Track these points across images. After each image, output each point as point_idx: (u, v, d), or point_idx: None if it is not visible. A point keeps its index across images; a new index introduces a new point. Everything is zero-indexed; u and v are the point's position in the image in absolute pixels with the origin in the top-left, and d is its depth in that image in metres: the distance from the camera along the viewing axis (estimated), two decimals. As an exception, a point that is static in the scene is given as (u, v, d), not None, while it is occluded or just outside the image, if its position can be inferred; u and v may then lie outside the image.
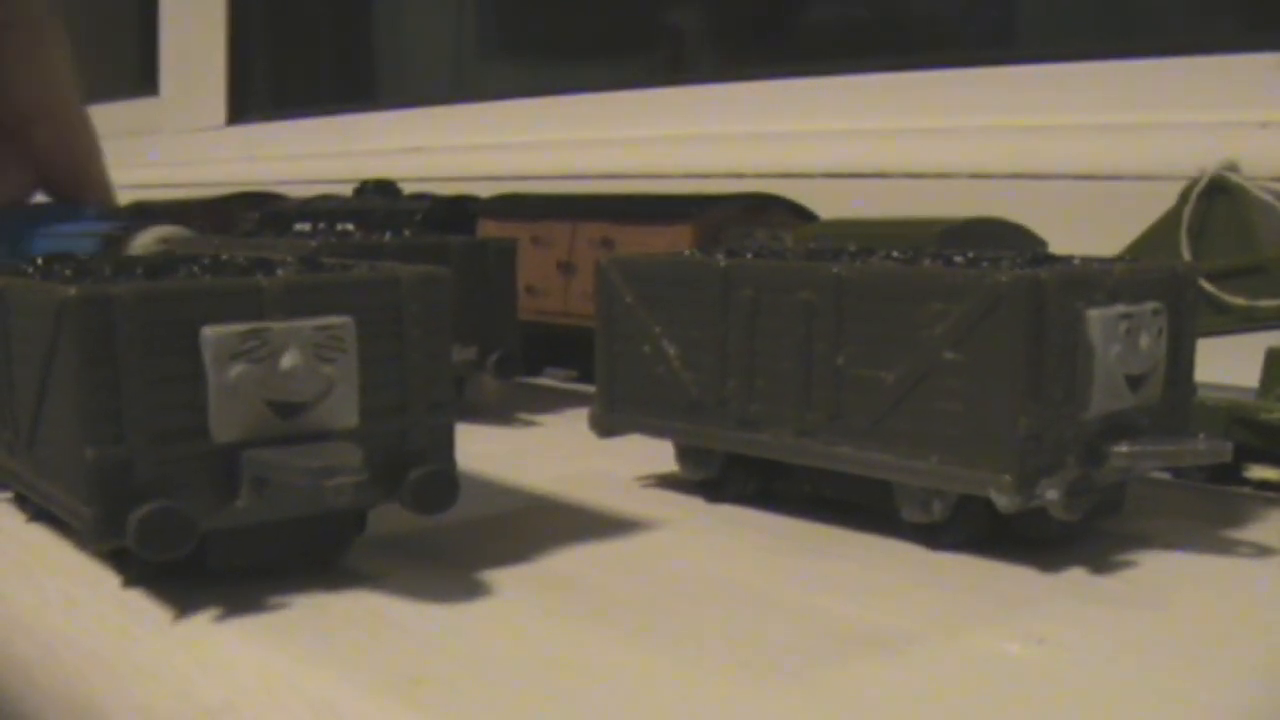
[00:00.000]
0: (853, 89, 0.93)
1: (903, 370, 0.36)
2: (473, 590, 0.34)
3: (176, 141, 1.66)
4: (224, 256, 0.40)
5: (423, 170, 1.05)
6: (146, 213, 0.74)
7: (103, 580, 0.35)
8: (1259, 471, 0.45)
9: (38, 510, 0.40)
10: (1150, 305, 0.37)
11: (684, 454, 0.45)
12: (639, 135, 1.03)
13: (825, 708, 0.27)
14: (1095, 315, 0.35)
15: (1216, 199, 0.47)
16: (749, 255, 0.43)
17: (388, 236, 0.61)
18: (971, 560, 0.37)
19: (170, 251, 0.51)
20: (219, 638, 0.31)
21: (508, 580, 0.35)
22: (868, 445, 0.38)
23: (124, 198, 0.70)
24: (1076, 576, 0.35)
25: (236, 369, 0.32)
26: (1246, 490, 0.45)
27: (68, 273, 0.36)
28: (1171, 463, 0.38)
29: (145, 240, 0.56)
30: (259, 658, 0.30)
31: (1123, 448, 0.36)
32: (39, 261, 0.39)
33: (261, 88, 1.69)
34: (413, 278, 0.35)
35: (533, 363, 0.71)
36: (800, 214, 0.67)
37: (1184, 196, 0.48)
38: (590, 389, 0.47)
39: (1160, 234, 0.48)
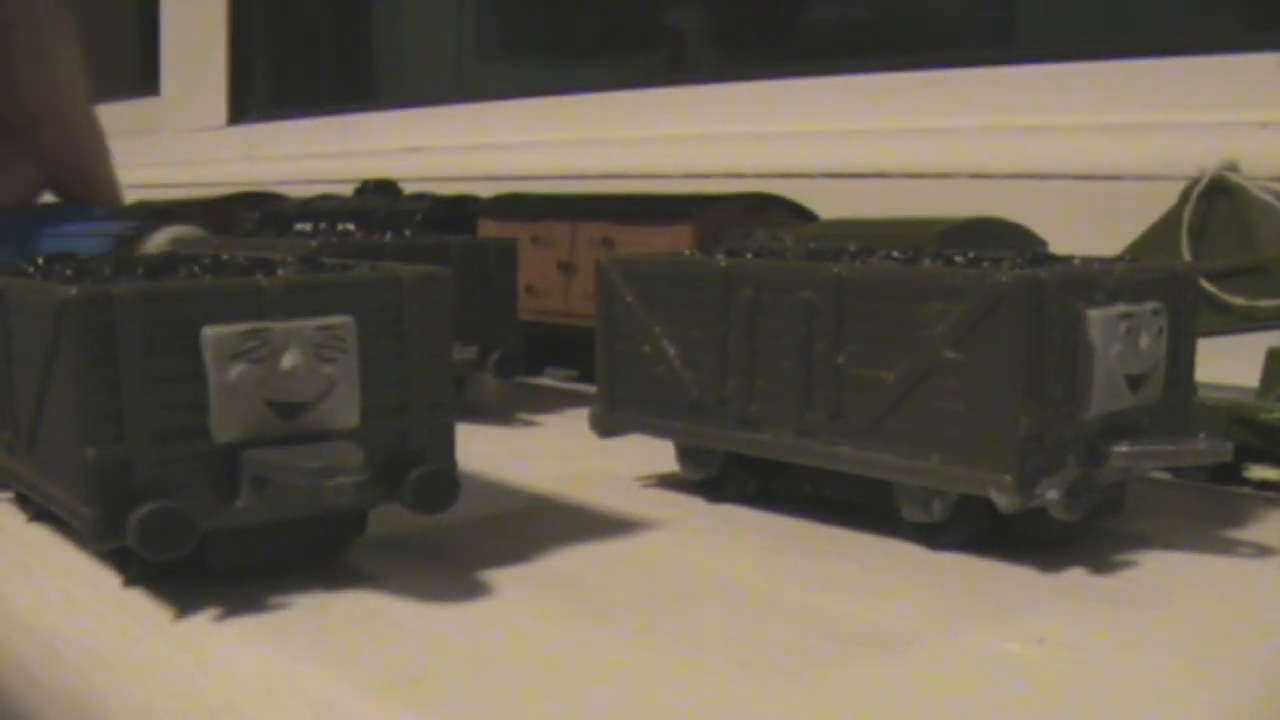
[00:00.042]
0: (853, 89, 0.93)
1: (903, 370, 0.36)
2: (473, 590, 0.34)
3: (177, 141, 1.66)
4: (224, 256, 0.40)
5: (423, 170, 1.05)
6: (160, 212, 0.74)
7: (103, 580, 0.35)
8: (1259, 471, 0.45)
9: (38, 510, 0.40)
10: (1150, 305, 0.37)
11: (684, 454, 0.45)
12: (639, 135, 1.03)
13: (825, 708, 0.27)
14: (1095, 315, 0.35)
15: (1217, 199, 0.47)
16: (749, 255, 0.43)
17: (388, 236, 0.61)
18: (971, 560, 0.37)
19: (175, 252, 0.51)
20: (219, 638, 0.31)
21: (508, 580, 0.35)
22: (868, 445, 0.38)
23: (127, 198, 0.70)
24: (1076, 576, 0.35)
25: (237, 369, 0.32)
26: (1246, 490, 0.45)
27: (68, 272, 0.36)
28: (1171, 463, 0.38)
29: (159, 240, 0.56)
30: (259, 658, 0.30)
31: (1123, 448, 0.36)
32: (39, 261, 0.39)
33: (262, 88, 1.69)
34: (413, 278, 0.35)
35: (533, 363, 0.71)
36: (800, 214, 0.67)
37: (1184, 196, 0.48)
38: (590, 389, 0.47)
39: (1160, 234, 0.48)
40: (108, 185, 0.66)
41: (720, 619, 0.32)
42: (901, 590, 0.35)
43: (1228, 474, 0.45)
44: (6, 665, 0.36)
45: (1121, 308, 0.36)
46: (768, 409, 0.40)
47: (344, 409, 0.33)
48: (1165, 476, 0.46)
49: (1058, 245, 0.50)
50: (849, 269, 0.38)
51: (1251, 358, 0.45)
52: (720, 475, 0.43)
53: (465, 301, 0.55)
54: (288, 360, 0.32)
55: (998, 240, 0.51)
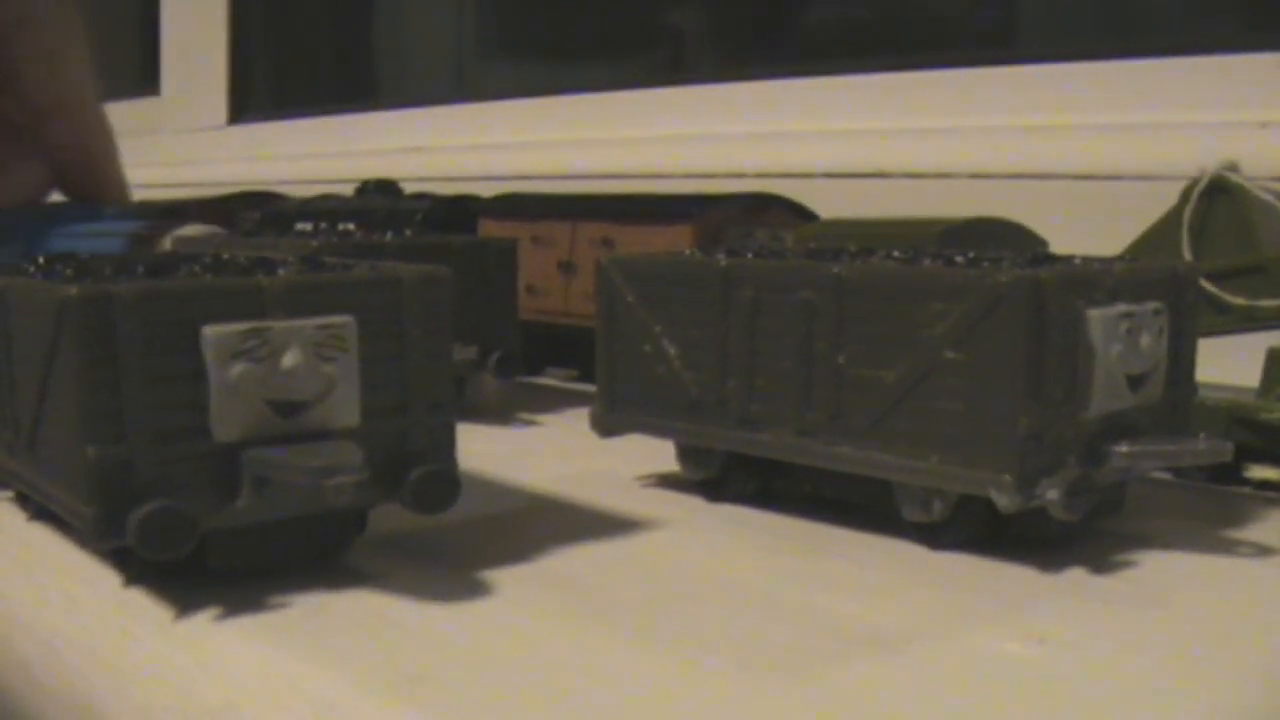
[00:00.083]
0: (853, 89, 0.93)
1: (903, 370, 0.36)
2: (473, 590, 0.34)
3: (177, 141, 1.66)
4: (225, 256, 0.40)
5: (423, 170, 1.05)
6: (171, 211, 0.74)
7: (103, 580, 0.35)
8: (1259, 471, 0.45)
9: (38, 509, 0.40)
10: (1151, 305, 0.37)
11: (684, 454, 0.45)
12: (639, 135, 1.03)
13: (825, 708, 0.27)
14: (1096, 315, 0.35)
15: (1217, 199, 0.47)
16: (749, 255, 0.43)
17: (389, 236, 0.61)
18: (971, 560, 0.37)
19: (175, 251, 0.51)
20: (219, 638, 0.31)
21: (508, 580, 0.35)
22: (868, 445, 0.38)
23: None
24: (1076, 576, 0.35)
25: (237, 368, 0.32)
26: (1246, 490, 0.45)
27: (68, 272, 0.36)
28: (1171, 463, 0.38)
29: (178, 239, 0.55)
30: (259, 658, 0.30)
31: (1123, 448, 0.36)
32: (40, 261, 0.39)
33: (262, 87, 1.69)
34: (414, 277, 0.35)
35: (533, 362, 0.71)
36: (800, 214, 0.67)
37: (1184, 196, 0.48)
38: (590, 389, 0.47)
39: (1161, 234, 0.48)
40: (116, 184, 0.66)
41: (720, 619, 0.32)
42: (901, 590, 0.35)
43: (1228, 474, 0.45)
44: (6, 665, 0.36)
45: (1122, 307, 0.36)
46: (768, 409, 0.40)
47: (344, 408, 0.33)
48: (1165, 476, 0.46)
49: (1058, 245, 0.50)
50: (849, 269, 0.38)
51: (1251, 358, 0.45)
52: (720, 475, 0.43)
53: (465, 301, 0.55)
54: (288, 360, 0.32)
55: (998, 240, 0.51)
